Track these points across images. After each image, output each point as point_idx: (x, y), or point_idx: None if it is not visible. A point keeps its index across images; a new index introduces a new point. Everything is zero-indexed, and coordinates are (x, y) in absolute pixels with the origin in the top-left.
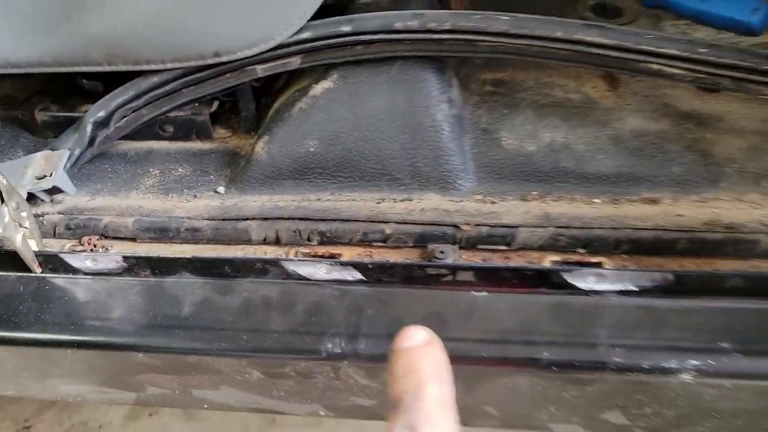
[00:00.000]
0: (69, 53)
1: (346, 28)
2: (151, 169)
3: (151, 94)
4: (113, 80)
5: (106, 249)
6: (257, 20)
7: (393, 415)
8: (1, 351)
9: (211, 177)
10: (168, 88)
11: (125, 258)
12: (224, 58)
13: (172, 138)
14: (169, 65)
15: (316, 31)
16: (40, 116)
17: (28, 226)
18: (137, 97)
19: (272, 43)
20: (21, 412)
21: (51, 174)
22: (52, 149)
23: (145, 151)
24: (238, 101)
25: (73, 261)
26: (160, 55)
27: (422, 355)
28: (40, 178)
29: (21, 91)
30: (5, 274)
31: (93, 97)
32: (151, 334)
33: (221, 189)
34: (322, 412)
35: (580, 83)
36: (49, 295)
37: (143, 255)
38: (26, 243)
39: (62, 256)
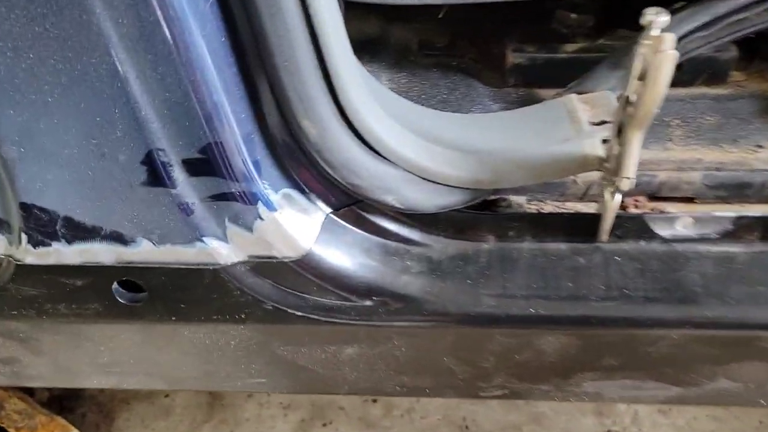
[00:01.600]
0: None
1: None
2: (664, 119)
3: (724, 21)
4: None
5: (659, 211)
6: None
7: None
8: (559, 338)
9: (754, 125)
10: (744, 14)
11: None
12: None
13: None
14: None
15: None
16: (513, 58)
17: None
18: (708, 24)
19: None
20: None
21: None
22: (580, 92)
23: None
24: None
25: (656, 226)
26: None
27: None
28: (596, 124)
29: (440, 37)
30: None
31: (566, 35)
32: None
33: None
34: None
35: None
36: (624, 267)
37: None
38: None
39: (647, 219)
